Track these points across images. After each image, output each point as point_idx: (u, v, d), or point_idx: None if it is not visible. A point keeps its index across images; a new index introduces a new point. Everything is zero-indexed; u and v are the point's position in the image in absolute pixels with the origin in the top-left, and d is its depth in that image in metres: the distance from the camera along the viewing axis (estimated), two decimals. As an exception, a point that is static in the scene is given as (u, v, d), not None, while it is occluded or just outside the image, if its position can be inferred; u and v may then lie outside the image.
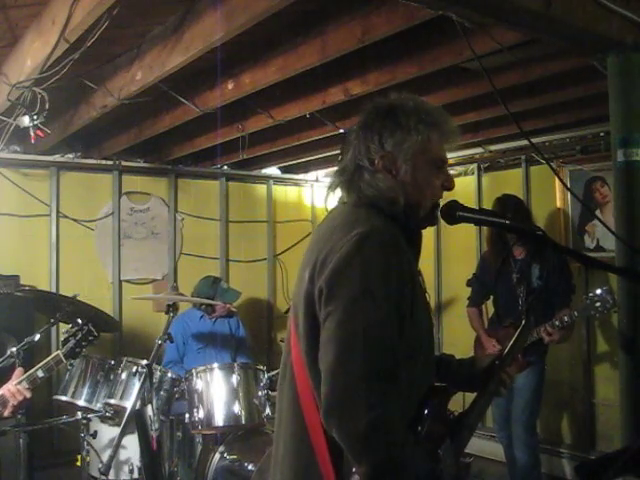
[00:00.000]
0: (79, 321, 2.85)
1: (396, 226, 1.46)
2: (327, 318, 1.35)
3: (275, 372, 3.23)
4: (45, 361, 2.65)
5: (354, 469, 1.34)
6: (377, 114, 1.52)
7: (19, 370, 2.62)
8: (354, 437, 1.28)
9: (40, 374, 2.58)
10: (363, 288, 1.32)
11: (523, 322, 1.77)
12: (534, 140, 4.14)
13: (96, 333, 2.86)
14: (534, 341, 3.50)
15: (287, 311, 3.26)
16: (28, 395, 2.50)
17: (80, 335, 2.81)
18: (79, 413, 3.35)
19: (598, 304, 3.25)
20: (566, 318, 3.39)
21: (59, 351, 2.74)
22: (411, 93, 1.58)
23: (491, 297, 4.08)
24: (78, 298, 3.32)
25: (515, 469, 3.78)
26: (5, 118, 3.41)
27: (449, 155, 1.50)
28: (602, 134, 4.31)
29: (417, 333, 1.43)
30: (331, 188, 1.58)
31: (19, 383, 2.50)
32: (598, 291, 3.28)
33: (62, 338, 2.83)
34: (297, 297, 1.48)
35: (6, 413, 2.49)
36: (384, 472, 1.27)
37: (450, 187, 1.54)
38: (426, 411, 1.43)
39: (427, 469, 1.34)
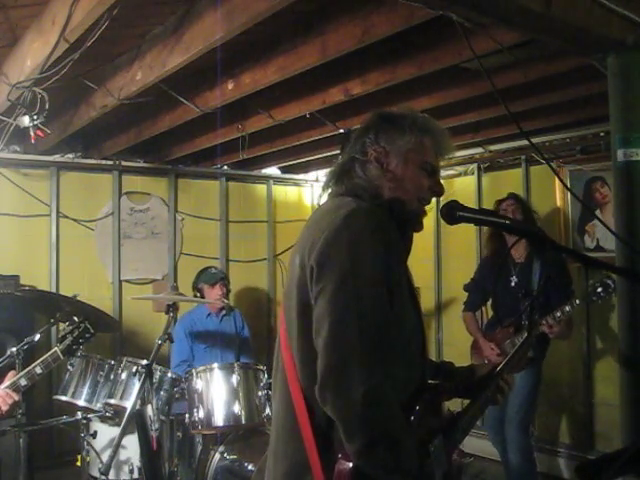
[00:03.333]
0: (75, 319, 2.87)
1: (385, 213, 1.48)
2: (319, 296, 1.37)
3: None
4: (43, 358, 2.68)
5: (340, 455, 1.32)
6: (377, 117, 1.61)
7: (11, 373, 2.65)
8: (349, 410, 1.27)
9: (38, 370, 2.62)
10: (352, 261, 1.34)
11: (525, 335, 1.78)
12: (534, 140, 4.14)
13: (92, 330, 2.89)
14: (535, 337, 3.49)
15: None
16: (16, 398, 2.54)
17: (77, 332, 2.84)
18: (79, 413, 3.35)
19: (600, 289, 3.25)
20: (567, 308, 3.37)
21: (56, 348, 2.76)
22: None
23: (488, 301, 4.08)
24: (78, 298, 3.32)
25: (510, 471, 3.76)
26: (5, 118, 3.41)
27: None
28: (602, 134, 4.31)
29: (402, 323, 1.43)
30: (326, 184, 1.63)
31: (8, 387, 2.54)
32: (597, 278, 3.28)
33: (59, 335, 2.86)
34: (288, 289, 1.50)
35: None
36: (378, 447, 1.27)
37: (439, 192, 1.59)
38: (417, 407, 1.43)
39: (417, 463, 1.34)
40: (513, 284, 3.73)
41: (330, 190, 1.61)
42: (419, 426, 1.42)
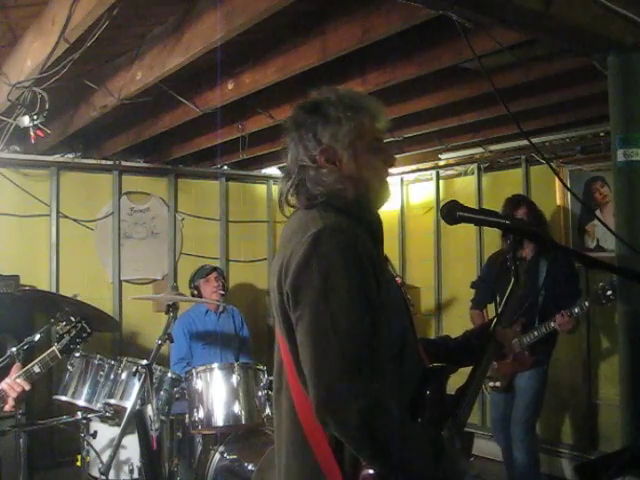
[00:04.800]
0: (72, 319, 2.89)
1: (351, 219, 1.45)
2: (297, 323, 1.37)
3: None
4: (41, 357, 2.70)
5: (363, 462, 1.34)
6: (305, 113, 1.56)
7: (17, 365, 2.67)
8: (351, 429, 1.27)
9: (36, 369, 2.63)
10: (324, 285, 1.33)
11: (512, 281, 1.76)
12: (534, 140, 4.14)
13: (89, 330, 2.91)
14: (542, 338, 3.49)
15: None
16: (27, 387, 2.55)
17: (74, 332, 2.86)
18: (79, 413, 3.35)
19: (610, 292, 3.23)
20: (577, 310, 3.37)
21: (54, 347, 2.77)
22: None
23: (495, 298, 4.07)
24: (78, 298, 3.32)
25: (514, 470, 3.76)
26: (5, 118, 3.41)
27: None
28: (602, 134, 4.30)
29: (390, 316, 1.43)
30: (283, 197, 1.58)
31: (17, 377, 2.54)
32: (607, 281, 3.26)
33: (57, 335, 2.87)
34: (273, 307, 1.50)
35: (7, 407, 2.54)
36: (392, 455, 1.28)
37: (392, 162, 1.56)
38: (427, 393, 1.44)
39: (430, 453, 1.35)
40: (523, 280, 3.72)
41: (291, 201, 1.56)
42: (429, 419, 1.43)
